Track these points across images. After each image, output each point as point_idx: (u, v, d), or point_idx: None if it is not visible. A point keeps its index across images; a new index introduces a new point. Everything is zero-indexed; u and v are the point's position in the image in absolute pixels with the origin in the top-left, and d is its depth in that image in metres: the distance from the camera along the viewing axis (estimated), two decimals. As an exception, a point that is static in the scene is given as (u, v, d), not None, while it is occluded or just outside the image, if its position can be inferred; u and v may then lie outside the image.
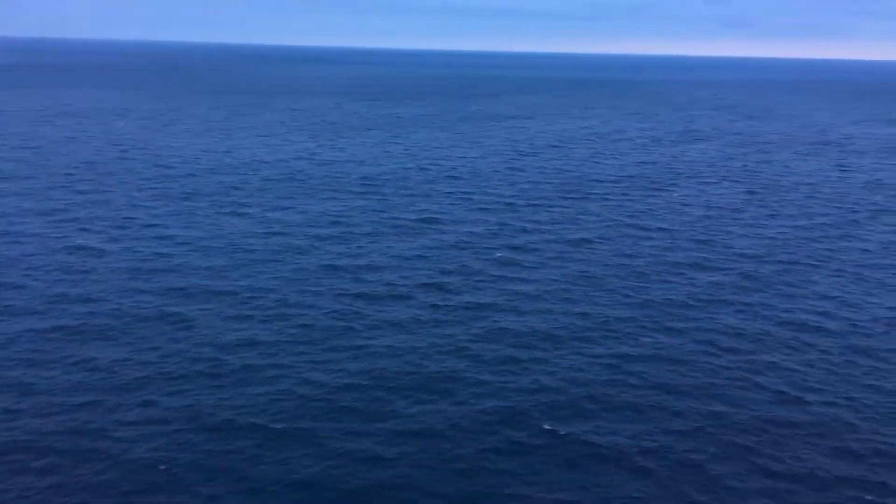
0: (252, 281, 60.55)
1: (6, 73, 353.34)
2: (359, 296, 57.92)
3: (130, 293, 57.24)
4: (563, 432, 38.83)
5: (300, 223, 79.94)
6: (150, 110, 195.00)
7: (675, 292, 60.64)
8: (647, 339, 50.94)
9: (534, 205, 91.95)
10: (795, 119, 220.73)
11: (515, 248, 72.12)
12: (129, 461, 35.60)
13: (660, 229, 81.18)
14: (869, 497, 34.22)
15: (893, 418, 41.20)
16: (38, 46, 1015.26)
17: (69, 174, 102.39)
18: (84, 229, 74.90)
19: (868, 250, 74.77)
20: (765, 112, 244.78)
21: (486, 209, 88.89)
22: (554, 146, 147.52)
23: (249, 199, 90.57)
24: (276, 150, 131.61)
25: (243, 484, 34.07)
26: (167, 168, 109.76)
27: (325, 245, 71.71)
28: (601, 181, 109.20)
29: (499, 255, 69.86)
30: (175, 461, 35.61)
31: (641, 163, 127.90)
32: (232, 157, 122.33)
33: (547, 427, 39.28)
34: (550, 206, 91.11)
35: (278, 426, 38.68)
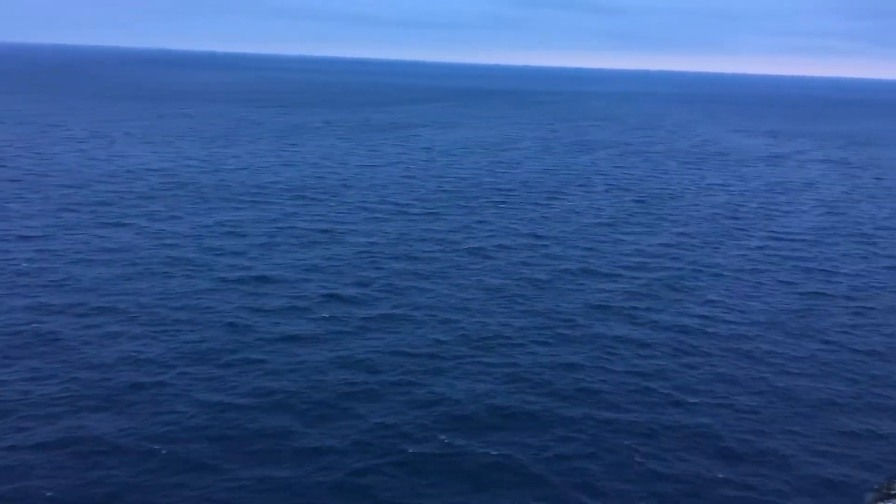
0: (137, 296, 58.14)
1: None
2: (253, 310, 56.50)
3: (3, 310, 53.97)
4: (460, 444, 38.89)
5: (189, 234, 77.39)
6: (30, 115, 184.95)
7: (567, 300, 61.92)
8: (542, 348, 51.76)
9: (430, 213, 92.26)
10: (680, 130, 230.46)
11: (412, 259, 72.04)
12: (7, 491, 33.45)
13: (552, 237, 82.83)
14: (751, 496, 35.76)
15: (773, 419, 43.23)
16: None
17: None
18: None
19: (746, 256, 78.55)
20: (652, 123, 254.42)
21: (383, 219, 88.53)
22: (448, 155, 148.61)
23: (135, 209, 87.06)
24: (164, 157, 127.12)
25: (128, 511, 32.54)
26: (45, 177, 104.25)
27: (216, 257, 69.64)
28: (496, 190, 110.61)
29: (396, 265, 69.62)
30: (59, 488, 33.68)
31: (534, 172, 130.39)
32: (117, 164, 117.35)
33: (445, 439, 39.25)
34: (446, 215, 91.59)
35: (165, 450, 37.13)
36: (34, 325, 51.40)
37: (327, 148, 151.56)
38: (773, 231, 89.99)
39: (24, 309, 54.40)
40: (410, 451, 38.01)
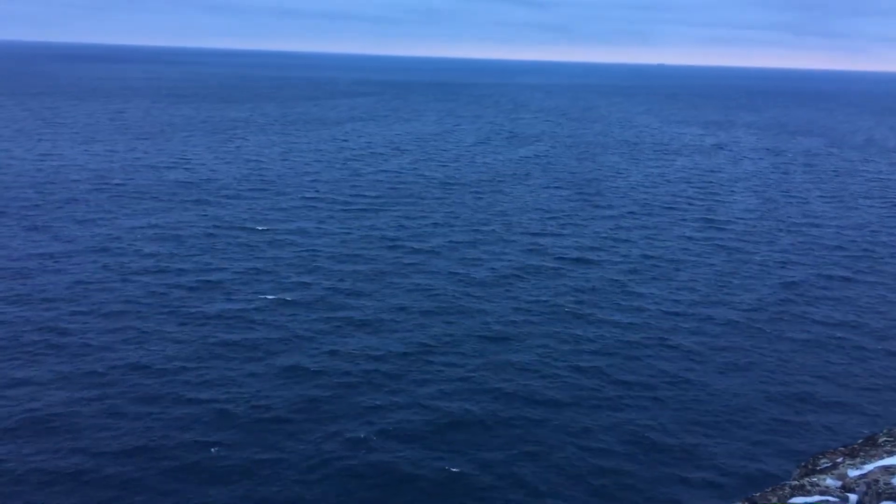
0: (67, 303, 56.07)
1: None
2: (187, 314, 55.04)
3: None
4: (403, 453, 38.50)
5: (120, 235, 75.02)
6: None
7: (506, 298, 62.05)
8: (485, 349, 51.72)
9: (366, 209, 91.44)
10: (615, 121, 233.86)
11: (353, 256, 71.24)
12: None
13: (488, 227, 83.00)
14: (685, 489, 36.32)
15: (705, 412, 44.01)
16: None
17: None
18: None
19: (687, 236, 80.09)
20: (586, 115, 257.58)
21: (321, 216, 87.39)
22: (386, 149, 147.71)
23: (63, 211, 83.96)
24: (95, 155, 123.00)
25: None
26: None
27: (149, 260, 67.68)
28: (434, 184, 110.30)
29: (335, 264, 68.77)
30: None
31: (472, 165, 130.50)
32: (46, 164, 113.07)
33: (388, 449, 38.77)
34: (383, 211, 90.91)
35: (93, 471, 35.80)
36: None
37: (260, 144, 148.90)
38: (710, 220, 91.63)
39: (-56, 316, 51.91)
40: (353, 462, 37.38)
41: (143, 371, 45.08)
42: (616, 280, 66.61)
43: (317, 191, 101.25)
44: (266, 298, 58.18)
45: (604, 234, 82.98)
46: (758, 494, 13.80)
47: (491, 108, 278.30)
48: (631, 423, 41.47)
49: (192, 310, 55.24)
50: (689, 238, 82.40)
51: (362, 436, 38.90)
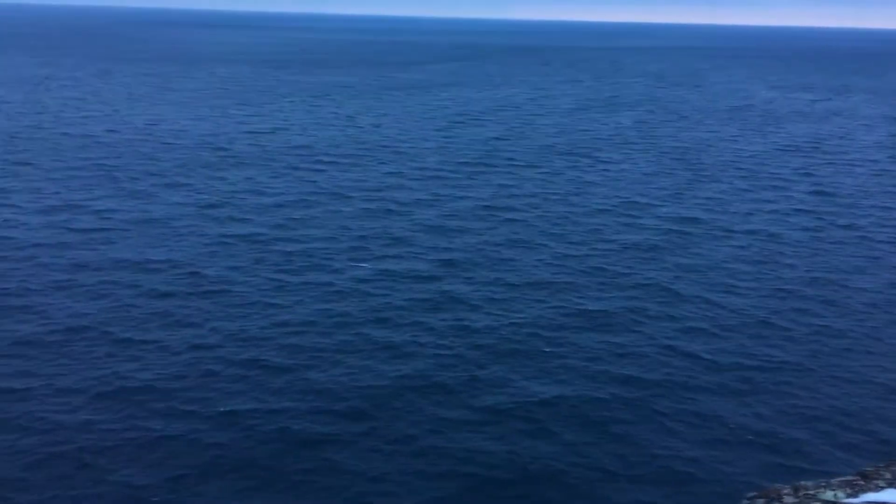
0: (176, 253, 58.61)
1: None
2: (313, 268, 56.70)
3: (39, 268, 54.73)
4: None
5: (232, 195, 77.73)
6: (69, 79, 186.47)
7: (600, 258, 61.24)
8: (571, 303, 51.30)
9: (466, 174, 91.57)
10: (718, 86, 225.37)
11: (446, 216, 71.65)
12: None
13: (590, 193, 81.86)
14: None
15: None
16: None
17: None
18: (4, 205, 71.26)
19: (778, 210, 76.94)
20: (688, 79, 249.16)
21: (417, 178, 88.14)
22: (480, 115, 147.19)
23: (173, 174, 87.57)
24: (204, 120, 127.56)
25: None
26: (86, 139, 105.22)
27: (257, 216, 69.92)
28: (529, 149, 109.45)
29: (426, 222, 69.33)
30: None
31: (570, 130, 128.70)
32: (154, 129, 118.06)
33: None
34: (478, 174, 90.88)
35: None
36: (66, 280, 52.11)
37: (358, 109, 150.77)
38: (823, 194, 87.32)
39: (56, 268, 55.11)
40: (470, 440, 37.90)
41: (244, 340, 46.79)
42: (717, 256, 64.67)
43: (413, 157, 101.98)
44: (365, 268, 59.32)
45: (705, 206, 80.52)
46: (871, 469, 13.34)
47: (588, 72, 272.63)
48: (721, 408, 40.50)
49: (289, 279, 56.84)
50: (799, 212, 78.91)
51: (462, 416, 39.44)
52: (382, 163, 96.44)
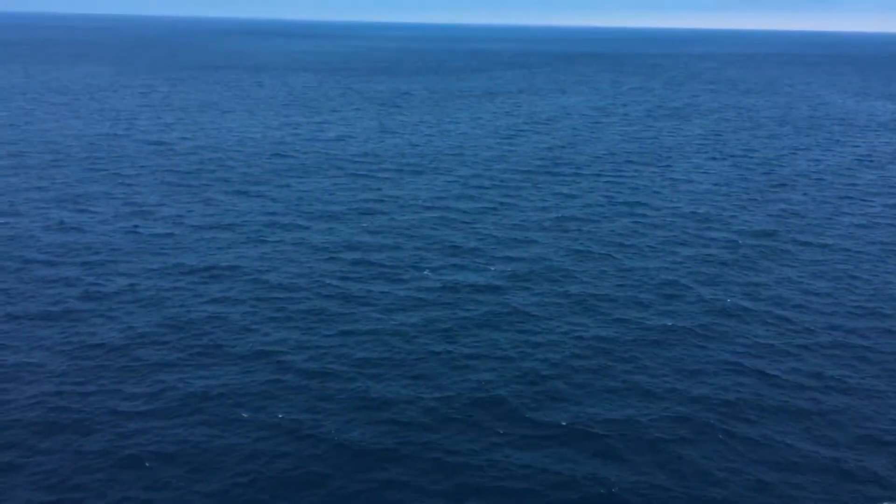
0: (242, 260, 59.47)
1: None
2: (347, 278, 56.89)
3: (132, 272, 56.11)
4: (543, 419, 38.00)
5: (297, 203, 78.68)
6: (142, 87, 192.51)
7: (667, 272, 59.69)
8: (636, 319, 50.03)
9: (532, 182, 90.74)
10: (794, 94, 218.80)
11: (513, 228, 71.01)
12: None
13: (656, 206, 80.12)
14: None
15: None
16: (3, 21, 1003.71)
17: (64, 153, 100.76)
18: (80, 209, 73.53)
19: (855, 224, 73.82)
20: (764, 87, 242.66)
21: (482, 187, 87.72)
22: (548, 122, 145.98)
23: (239, 179, 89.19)
24: (270, 127, 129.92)
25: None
26: (159, 146, 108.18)
27: (321, 224, 70.53)
28: (595, 158, 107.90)
29: (494, 233, 68.80)
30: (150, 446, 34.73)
31: (638, 139, 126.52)
32: (226, 135, 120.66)
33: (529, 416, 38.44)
34: (543, 184, 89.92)
35: (246, 413, 37.77)
36: (145, 286, 53.28)
37: (423, 117, 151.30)
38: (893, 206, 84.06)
39: (139, 272, 56.46)
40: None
41: (307, 349, 47.02)
42: (790, 271, 62.39)
43: (478, 164, 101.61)
44: (414, 265, 59.08)
45: (779, 219, 77.88)
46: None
47: (659, 79, 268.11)
48: (791, 430, 38.82)
49: (353, 287, 57.02)
50: (877, 226, 75.69)
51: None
52: (446, 171, 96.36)
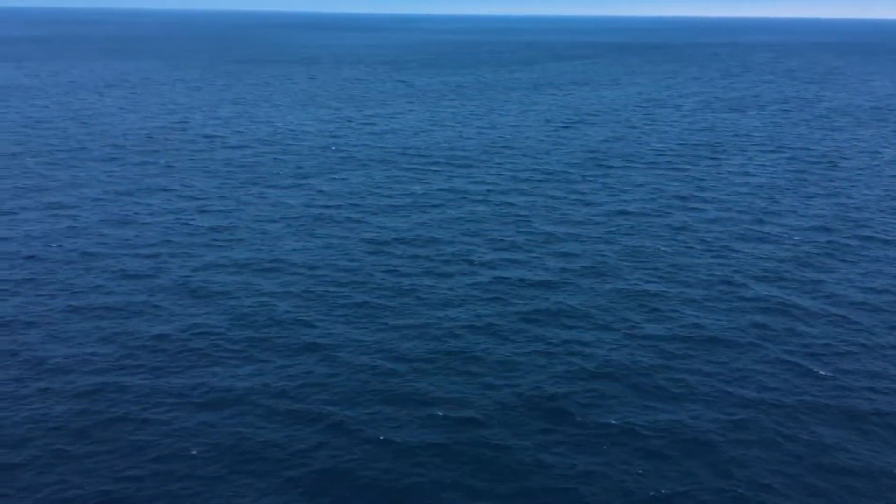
0: (290, 254, 60.06)
1: (37, 45, 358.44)
2: (426, 272, 57.05)
3: (195, 265, 57.19)
4: (606, 420, 37.54)
5: (349, 196, 79.21)
6: (197, 81, 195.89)
7: (722, 268, 58.49)
8: (689, 317, 49.11)
9: (583, 175, 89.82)
10: (855, 84, 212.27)
11: (563, 222, 70.41)
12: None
13: (711, 200, 78.58)
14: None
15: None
16: (59, 16, 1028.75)
17: (123, 146, 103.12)
18: (137, 202, 75.17)
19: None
20: (823, 77, 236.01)
21: (533, 180, 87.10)
22: (601, 114, 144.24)
23: (290, 170, 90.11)
24: (324, 121, 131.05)
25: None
26: (213, 139, 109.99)
27: (373, 218, 70.87)
28: (649, 150, 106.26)
29: (544, 228, 68.27)
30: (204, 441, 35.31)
31: (694, 131, 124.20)
32: (277, 127, 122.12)
33: (593, 418, 38.01)
34: (597, 177, 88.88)
35: (296, 406, 38.11)
36: (198, 279, 54.22)
37: (475, 109, 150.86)
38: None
39: (191, 265, 57.47)
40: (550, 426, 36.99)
41: (357, 343, 47.29)
42: (852, 270, 60.56)
43: (529, 158, 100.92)
44: (462, 258, 58.88)
45: (840, 215, 75.65)
46: None
47: (713, 70, 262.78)
48: (847, 437, 37.68)
49: (403, 281, 57.15)
50: (942, 218, 73.08)
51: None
52: (497, 164, 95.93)
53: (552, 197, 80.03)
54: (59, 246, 61.82)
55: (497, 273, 57.09)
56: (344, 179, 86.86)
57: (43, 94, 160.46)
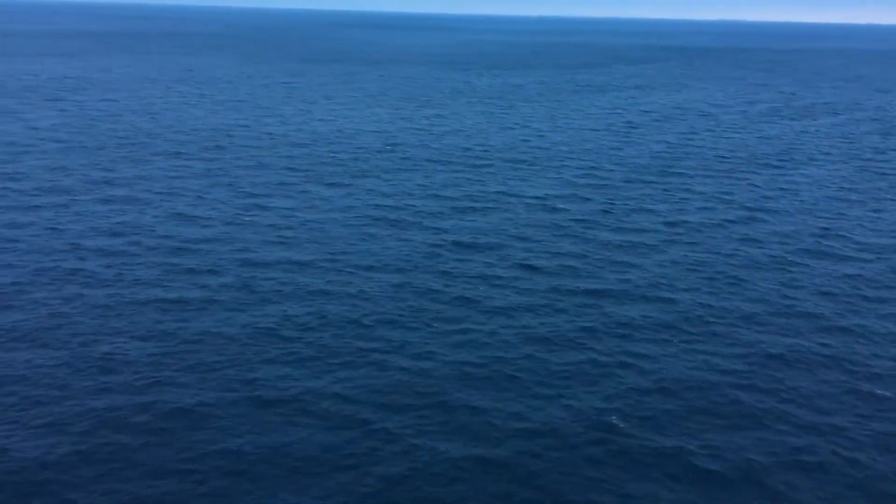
0: (350, 256, 60.36)
1: (114, 40, 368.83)
2: (480, 277, 56.84)
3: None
4: (667, 444, 36.67)
5: (405, 197, 79.40)
6: (262, 78, 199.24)
7: (786, 285, 56.70)
8: (747, 334, 47.69)
9: (643, 181, 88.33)
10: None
11: (621, 230, 69.28)
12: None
13: (775, 210, 76.43)
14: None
15: None
16: (137, 13, 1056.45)
17: (186, 142, 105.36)
18: (198, 197, 76.62)
19: None
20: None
21: (597, 186, 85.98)
22: (664, 120, 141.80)
23: (349, 170, 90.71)
24: (385, 122, 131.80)
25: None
26: (276, 138, 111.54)
27: (428, 221, 70.85)
28: (712, 157, 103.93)
29: (602, 236, 67.27)
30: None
31: (759, 138, 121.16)
32: (337, 126, 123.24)
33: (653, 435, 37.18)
34: (657, 184, 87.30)
35: (334, 408, 38.12)
36: (251, 278, 54.90)
37: (535, 112, 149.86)
38: None
39: (240, 262, 58.21)
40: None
41: (410, 354, 47.21)
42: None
43: (589, 162, 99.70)
44: (521, 263, 58.33)
45: (911, 227, 72.86)
46: None
47: (781, 75, 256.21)
48: (930, 453, 35.97)
49: (453, 268, 56.93)
50: None
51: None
52: (555, 169, 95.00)
53: (611, 203, 78.85)
54: (123, 239, 63.29)
55: (553, 281, 56.41)
56: (401, 180, 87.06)
57: (113, 88, 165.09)
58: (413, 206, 76.36)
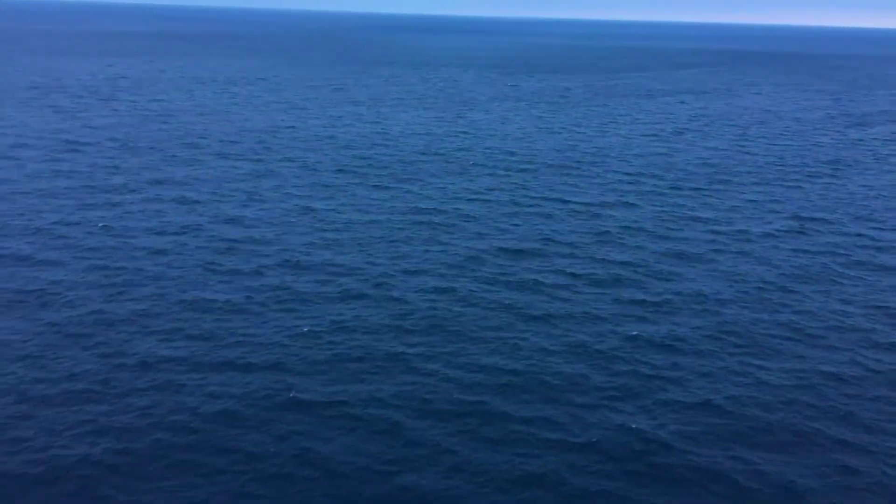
0: (396, 263, 60.35)
1: (154, 42, 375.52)
2: (523, 283, 56.45)
3: (266, 267, 58.43)
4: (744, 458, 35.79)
5: (449, 201, 79.22)
6: (312, 80, 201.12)
7: (839, 302, 55.09)
8: (796, 349, 46.40)
9: (693, 188, 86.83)
10: None
11: (669, 238, 68.14)
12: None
13: (827, 221, 74.42)
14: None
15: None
16: (173, 14, 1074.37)
17: (237, 144, 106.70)
18: (247, 199, 77.44)
19: None
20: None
21: (643, 193, 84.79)
22: (714, 125, 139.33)
23: (405, 175, 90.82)
24: (431, 124, 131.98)
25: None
26: (324, 141, 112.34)
27: (469, 225, 70.57)
28: (763, 165, 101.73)
29: (649, 245, 66.21)
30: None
31: (812, 146, 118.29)
32: (384, 128, 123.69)
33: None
34: (707, 191, 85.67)
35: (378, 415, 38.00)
36: (278, 281, 55.19)
37: (588, 115, 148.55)
38: None
39: (279, 265, 58.57)
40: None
41: (456, 364, 46.92)
42: (983, 298, 56.01)
43: (634, 169, 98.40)
44: (564, 271, 57.66)
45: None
46: None
47: (838, 82, 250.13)
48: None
49: (493, 274, 56.49)
50: None
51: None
52: (602, 174, 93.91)
53: (660, 210, 77.64)
54: (170, 239, 64.22)
55: (598, 290, 55.66)
56: (446, 184, 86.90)
57: (167, 89, 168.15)
58: (457, 209, 76.15)
